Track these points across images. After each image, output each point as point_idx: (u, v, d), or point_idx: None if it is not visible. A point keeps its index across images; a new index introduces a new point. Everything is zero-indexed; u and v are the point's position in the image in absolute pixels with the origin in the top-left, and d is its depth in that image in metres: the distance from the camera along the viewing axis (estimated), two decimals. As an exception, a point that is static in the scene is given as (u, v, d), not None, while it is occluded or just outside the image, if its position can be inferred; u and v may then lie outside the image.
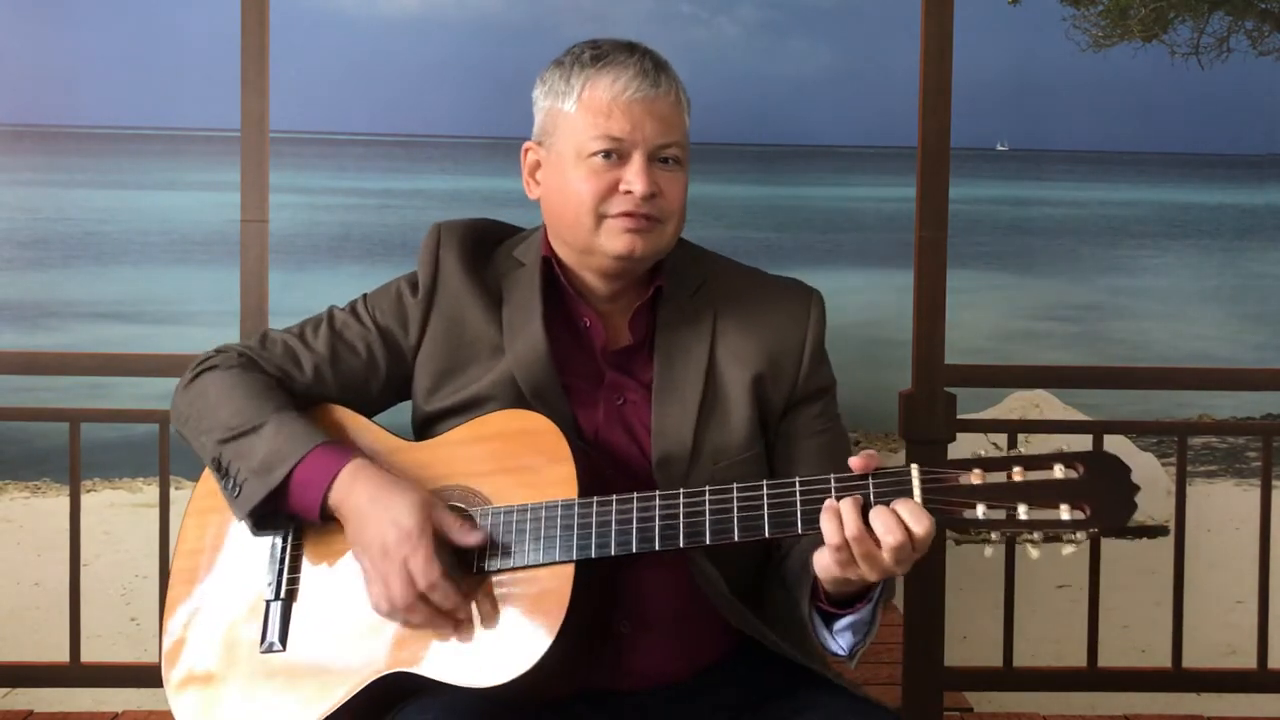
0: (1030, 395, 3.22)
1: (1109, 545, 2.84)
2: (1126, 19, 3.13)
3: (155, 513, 2.81)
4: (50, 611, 3.06)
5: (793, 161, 3.14)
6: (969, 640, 3.01)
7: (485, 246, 1.84)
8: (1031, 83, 3.17)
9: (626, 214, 1.67)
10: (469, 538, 1.60)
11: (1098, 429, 2.88)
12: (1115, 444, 3.00)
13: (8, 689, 3.08)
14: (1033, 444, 3.05)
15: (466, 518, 1.63)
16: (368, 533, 1.59)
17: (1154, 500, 2.92)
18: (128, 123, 3.11)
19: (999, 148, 3.22)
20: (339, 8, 3.00)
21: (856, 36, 3.08)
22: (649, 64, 1.68)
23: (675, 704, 1.71)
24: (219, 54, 2.90)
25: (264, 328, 1.89)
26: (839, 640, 1.60)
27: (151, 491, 2.89)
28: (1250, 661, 2.90)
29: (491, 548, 1.61)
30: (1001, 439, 2.91)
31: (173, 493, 2.81)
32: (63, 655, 2.82)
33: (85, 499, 2.88)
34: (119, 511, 3.12)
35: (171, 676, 1.74)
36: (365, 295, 1.85)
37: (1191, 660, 2.88)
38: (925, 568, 2.78)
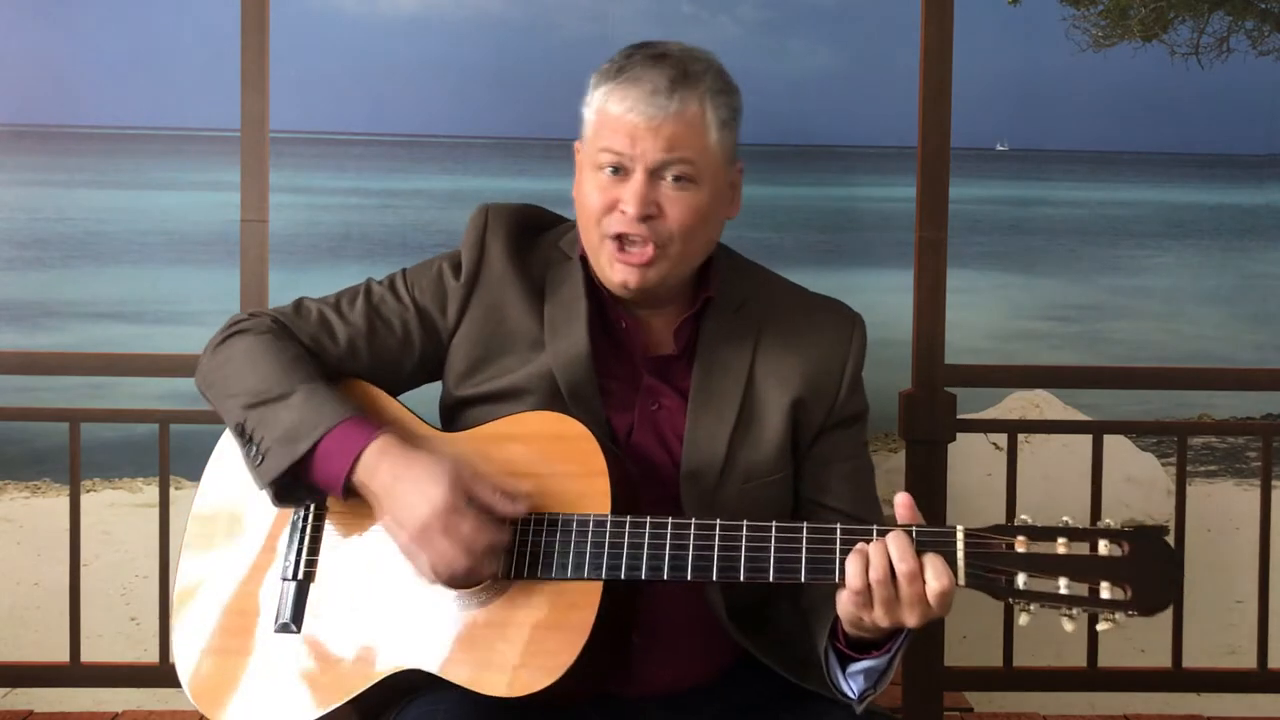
0: (1030, 395, 3.21)
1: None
2: (1126, 19, 3.13)
3: (155, 513, 2.81)
4: (50, 611, 3.06)
5: (793, 161, 3.14)
6: (969, 640, 3.01)
7: (531, 235, 1.82)
8: (1031, 83, 3.17)
9: (618, 238, 1.66)
10: (510, 506, 1.58)
11: (1097, 429, 2.88)
12: (1115, 444, 3.00)
13: (8, 689, 3.08)
14: (1034, 444, 3.04)
15: (503, 491, 1.61)
16: (399, 510, 1.57)
17: (1154, 500, 2.92)
18: (128, 123, 3.11)
19: (999, 148, 3.22)
20: (339, 8, 2.99)
21: (856, 36, 3.08)
22: (665, 81, 1.64)
23: (681, 711, 1.71)
24: (219, 54, 2.90)
25: (299, 297, 1.86)
26: (851, 683, 1.60)
27: (151, 491, 2.89)
28: (1250, 661, 2.91)
29: (520, 555, 1.59)
30: (1001, 439, 2.91)
31: (173, 493, 2.81)
32: (63, 655, 2.82)
33: (85, 499, 2.88)
34: (119, 511, 3.12)
35: (179, 644, 1.71)
36: (404, 271, 1.83)
37: (1191, 660, 2.88)
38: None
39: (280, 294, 2.64)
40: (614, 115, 1.66)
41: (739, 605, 1.71)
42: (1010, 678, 2.90)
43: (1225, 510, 3.19)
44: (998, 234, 3.34)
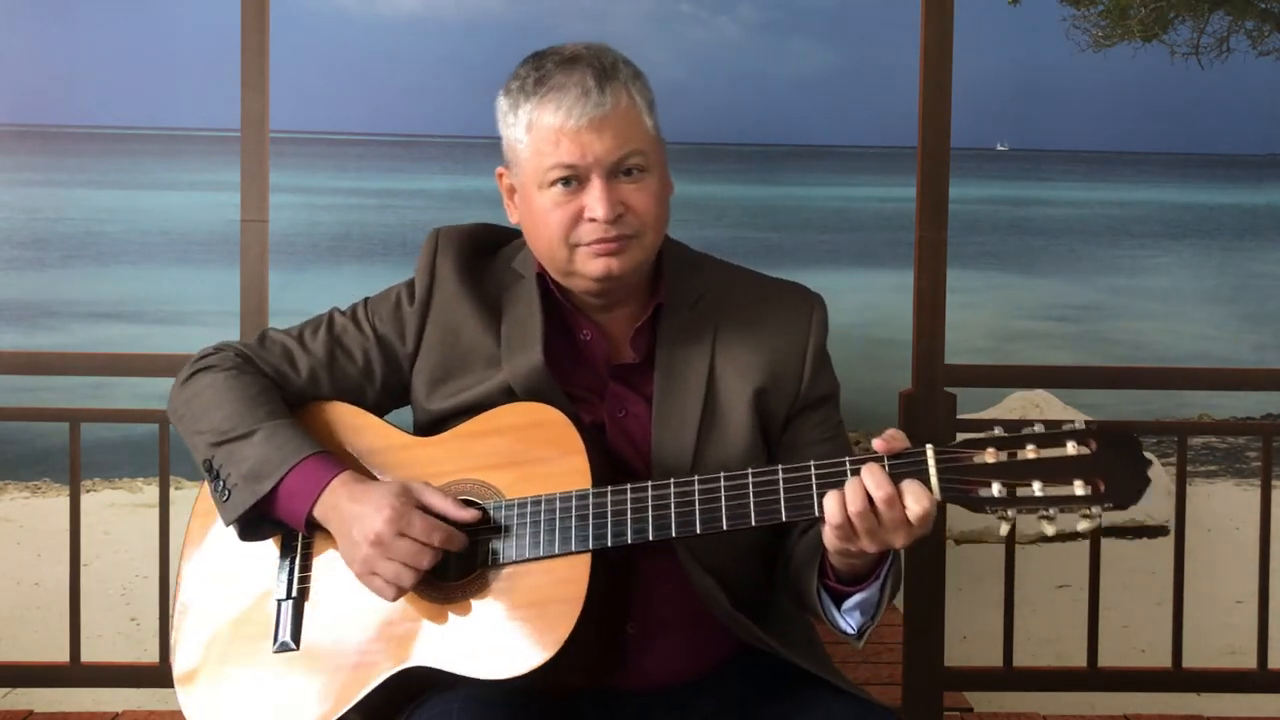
0: (1030, 395, 3.22)
1: (1109, 545, 2.84)
2: (1126, 19, 3.14)
3: (155, 513, 2.81)
4: (50, 611, 3.06)
5: (793, 161, 3.15)
6: (969, 640, 3.01)
7: (483, 255, 1.83)
8: (1031, 83, 3.18)
9: (597, 241, 1.66)
10: (462, 513, 1.60)
11: (1098, 429, 2.88)
12: (1115, 444, 2.99)
13: (8, 689, 3.08)
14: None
15: (468, 503, 1.63)
16: (355, 530, 1.60)
17: (1154, 500, 2.92)
18: (128, 123, 3.11)
19: (999, 148, 3.23)
20: (339, 8, 3.00)
21: (856, 36, 3.09)
22: (591, 80, 1.63)
23: (678, 704, 1.72)
24: (219, 54, 2.90)
25: (264, 328, 1.89)
26: (848, 619, 1.60)
27: (151, 491, 2.89)
28: (1250, 661, 2.90)
29: (506, 539, 1.61)
30: (1001, 439, 2.91)
31: (173, 493, 2.80)
32: (63, 655, 2.82)
33: (85, 499, 2.88)
34: (119, 511, 3.12)
35: (181, 677, 1.73)
36: (367, 300, 1.85)
37: (1191, 660, 2.88)
38: (925, 568, 2.78)
39: (280, 294, 2.64)
40: (552, 127, 1.64)
41: (738, 595, 1.72)
42: (1010, 678, 2.90)
43: (1225, 510, 3.19)
44: (998, 234, 3.34)
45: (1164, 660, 2.88)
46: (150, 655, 2.90)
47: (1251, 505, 2.93)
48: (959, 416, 2.78)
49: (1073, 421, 1.50)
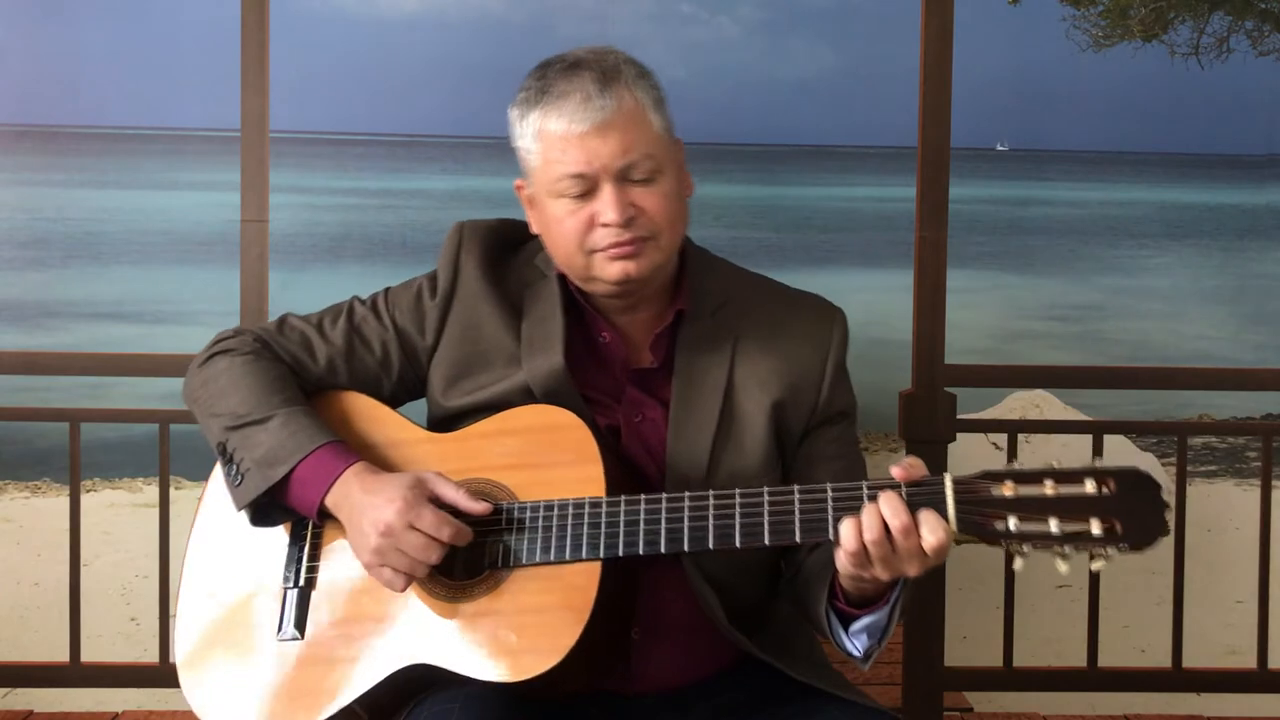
0: (1030, 395, 3.22)
1: (1109, 545, 2.84)
2: (1126, 19, 3.14)
3: (155, 513, 2.81)
4: (50, 611, 3.06)
5: (793, 161, 3.14)
6: (969, 640, 3.01)
7: (507, 251, 1.83)
8: (1031, 83, 3.17)
9: (612, 245, 1.66)
10: (473, 505, 1.61)
11: (1097, 429, 2.88)
12: (1115, 444, 3.00)
13: (8, 689, 3.08)
14: (1034, 444, 3.05)
15: (473, 494, 1.63)
16: (365, 521, 1.60)
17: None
18: (128, 123, 3.11)
19: (999, 148, 3.22)
20: (339, 7, 2.99)
21: (856, 36, 3.08)
22: (592, 85, 1.64)
23: (681, 708, 1.72)
24: (219, 54, 2.90)
25: (285, 314, 1.88)
26: (855, 642, 1.61)
27: (151, 491, 2.89)
28: (1250, 661, 2.91)
29: (517, 542, 1.62)
30: (1001, 439, 2.92)
31: (173, 493, 2.80)
32: (63, 655, 2.82)
33: (85, 499, 2.88)
34: (119, 511, 3.12)
35: (184, 663, 1.72)
36: (387, 290, 1.85)
37: (1191, 660, 2.88)
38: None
39: (280, 294, 2.64)
40: (557, 134, 1.65)
41: (737, 607, 1.72)
42: (1010, 678, 2.90)
43: (1225, 510, 3.19)
44: (998, 234, 3.34)
45: (1164, 660, 2.88)
46: (150, 655, 2.90)
47: (1251, 505, 2.93)
48: (959, 416, 2.78)
49: (1093, 462, 1.49)
